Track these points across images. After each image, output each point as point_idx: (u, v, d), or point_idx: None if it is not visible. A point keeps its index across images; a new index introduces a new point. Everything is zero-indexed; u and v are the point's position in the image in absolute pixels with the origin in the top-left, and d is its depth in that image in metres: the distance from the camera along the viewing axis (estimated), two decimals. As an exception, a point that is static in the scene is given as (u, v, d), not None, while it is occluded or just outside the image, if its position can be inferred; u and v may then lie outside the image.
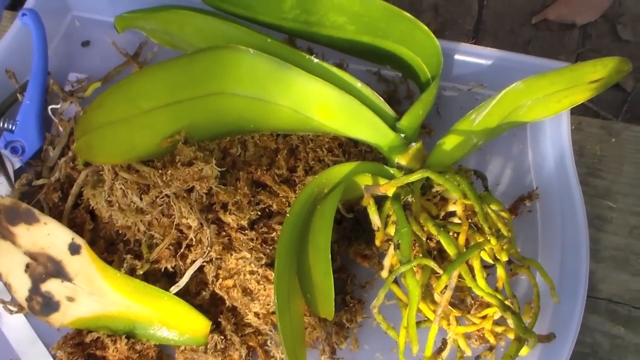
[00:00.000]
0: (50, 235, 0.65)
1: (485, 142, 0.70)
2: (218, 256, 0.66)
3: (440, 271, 0.57)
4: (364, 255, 0.70)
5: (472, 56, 0.77)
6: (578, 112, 1.42)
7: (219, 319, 0.66)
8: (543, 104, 0.67)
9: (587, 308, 0.65)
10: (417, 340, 0.57)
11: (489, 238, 0.58)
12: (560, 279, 0.67)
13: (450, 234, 0.59)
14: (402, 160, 0.67)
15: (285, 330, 0.59)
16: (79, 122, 0.66)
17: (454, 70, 0.78)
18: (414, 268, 0.57)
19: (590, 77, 0.65)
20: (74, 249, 0.65)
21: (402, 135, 0.67)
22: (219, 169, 0.65)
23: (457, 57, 0.77)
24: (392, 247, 0.61)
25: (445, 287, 0.57)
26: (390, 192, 0.62)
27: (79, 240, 0.65)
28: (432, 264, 0.57)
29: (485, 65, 0.77)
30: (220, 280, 0.66)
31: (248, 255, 0.65)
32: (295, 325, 0.62)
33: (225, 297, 0.67)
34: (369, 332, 0.68)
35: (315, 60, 0.67)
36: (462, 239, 0.59)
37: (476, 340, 0.63)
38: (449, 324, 0.60)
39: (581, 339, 0.67)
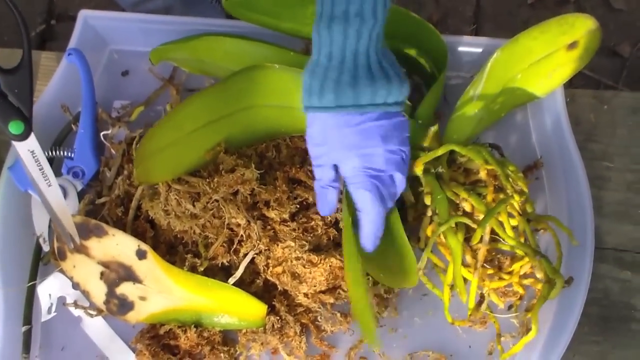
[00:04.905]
0: (118, 245, 0.73)
1: (492, 123, 0.78)
2: (266, 247, 0.73)
3: (475, 226, 0.66)
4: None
5: (472, 46, 0.83)
6: (580, 82, 1.48)
7: (273, 303, 0.74)
8: (534, 77, 0.75)
9: (596, 258, 0.72)
10: (465, 290, 0.65)
11: (512, 194, 0.66)
12: (569, 235, 0.75)
13: (478, 196, 0.68)
14: (423, 142, 0.74)
15: (356, 300, 0.66)
16: (136, 153, 0.75)
17: (456, 60, 0.84)
18: (453, 228, 0.66)
19: (563, 39, 0.72)
20: (141, 255, 0.73)
21: (420, 121, 0.76)
22: (258, 172, 0.73)
23: (459, 49, 0.83)
24: (425, 220, 0.70)
25: (480, 240, 0.66)
26: (419, 170, 0.70)
27: (144, 247, 0.73)
28: (467, 220, 0.66)
29: (485, 53, 0.82)
30: (270, 268, 0.74)
31: (292, 244, 0.72)
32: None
33: (277, 282, 0.74)
34: (406, 300, 0.76)
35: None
36: (489, 198, 0.68)
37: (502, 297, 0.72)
38: (483, 281, 0.68)
39: (594, 286, 0.74)
